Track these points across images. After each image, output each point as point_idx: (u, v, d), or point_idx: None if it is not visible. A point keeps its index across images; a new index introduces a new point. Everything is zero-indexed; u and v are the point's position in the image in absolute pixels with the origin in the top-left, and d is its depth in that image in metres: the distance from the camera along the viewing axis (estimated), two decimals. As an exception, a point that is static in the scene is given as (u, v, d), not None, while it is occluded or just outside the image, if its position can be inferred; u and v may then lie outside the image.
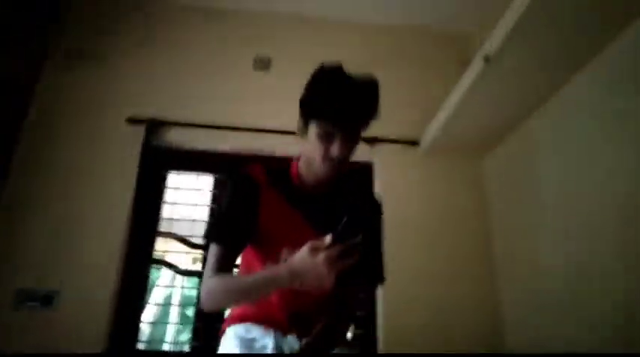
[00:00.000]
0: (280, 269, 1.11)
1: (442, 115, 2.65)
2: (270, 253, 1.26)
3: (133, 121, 2.84)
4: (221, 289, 1.23)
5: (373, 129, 2.88)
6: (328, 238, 1.05)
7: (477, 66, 2.21)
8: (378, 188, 2.96)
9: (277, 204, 1.35)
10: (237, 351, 1.22)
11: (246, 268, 1.40)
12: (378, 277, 1.48)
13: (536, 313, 2.43)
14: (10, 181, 2.65)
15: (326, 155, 1.25)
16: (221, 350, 1.26)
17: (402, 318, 2.64)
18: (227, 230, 1.33)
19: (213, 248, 1.31)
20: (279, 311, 1.33)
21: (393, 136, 3.04)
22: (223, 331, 1.41)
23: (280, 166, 1.44)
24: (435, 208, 2.93)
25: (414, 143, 3.03)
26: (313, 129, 1.27)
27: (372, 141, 3.00)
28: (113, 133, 2.82)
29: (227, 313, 1.50)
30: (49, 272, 2.50)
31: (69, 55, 3.00)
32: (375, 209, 1.51)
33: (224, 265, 1.28)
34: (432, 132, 2.81)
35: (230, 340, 1.31)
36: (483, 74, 2.20)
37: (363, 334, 2.68)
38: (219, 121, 2.93)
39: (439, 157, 3.01)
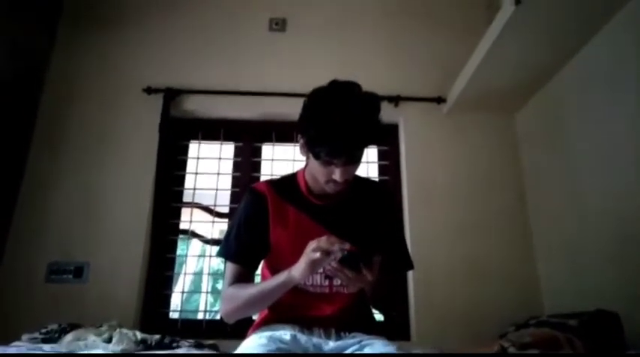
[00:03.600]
0: (284, 272, 1.21)
1: (470, 67, 2.50)
2: (286, 263, 1.27)
3: (150, 90, 2.79)
4: (235, 296, 1.30)
5: (397, 87, 2.89)
6: (333, 239, 1.13)
7: (507, 10, 2.06)
8: (404, 149, 2.86)
9: (288, 214, 1.36)
10: (257, 341, 1.20)
11: (264, 278, 1.43)
12: (406, 265, 1.45)
13: (573, 273, 2.34)
14: (31, 157, 2.67)
15: (329, 179, 1.25)
16: (242, 344, 1.24)
17: (434, 284, 2.57)
18: (236, 249, 1.36)
19: (228, 265, 1.38)
20: (299, 312, 1.31)
21: (417, 94, 2.90)
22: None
23: (285, 178, 1.47)
24: (463, 168, 2.82)
25: (439, 100, 2.89)
26: (315, 155, 1.24)
27: (396, 100, 2.87)
28: (131, 104, 2.79)
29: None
30: (78, 245, 2.53)
31: (83, 21, 2.95)
32: (388, 201, 1.48)
33: (239, 280, 1.34)
34: (459, 85, 2.66)
35: (251, 336, 1.30)
36: (514, 19, 2.05)
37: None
38: (237, 87, 2.85)
39: (467, 114, 2.87)
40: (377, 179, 2.85)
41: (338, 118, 1.16)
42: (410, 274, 2.60)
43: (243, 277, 1.36)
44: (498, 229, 2.71)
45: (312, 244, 1.14)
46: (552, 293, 2.54)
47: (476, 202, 2.74)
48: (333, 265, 1.11)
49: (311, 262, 1.12)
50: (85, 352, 1.32)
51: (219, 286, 2.79)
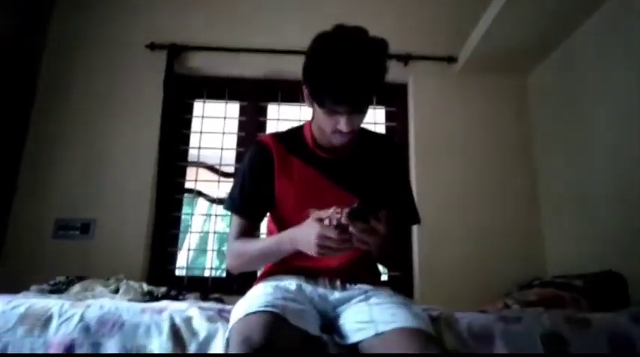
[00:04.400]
0: (285, 234, 1.20)
1: (483, 24, 2.42)
2: (291, 216, 1.27)
3: (154, 46, 2.73)
4: (241, 252, 1.31)
5: (407, 45, 2.81)
6: (331, 211, 1.09)
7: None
8: (412, 110, 2.80)
9: (294, 167, 1.34)
10: (262, 290, 1.20)
11: (270, 233, 1.42)
12: (413, 219, 1.43)
13: (579, 236, 2.33)
14: (35, 114, 2.64)
15: (335, 129, 1.22)
16: (248, 293, 1.23)
17: (438, 245, 2.57)
18: (241, 202, 1.35)
19: (233, 218, 1.37)
20: (305, 263, 1.28)
21: (428, 53, 2.82)
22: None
23: (292, 130, 1.43)
24: (473, 131, 2.77)
25: (450, 60, 2.81)
26: (319, 103, 1.21)
27: (406, 59, 2.79)
28: (134, 61, 2.74)
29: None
30: (84, 202, 2.54)
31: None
32: (396, 154, 1.45)
33: (244, 233, 1.34)
34: (471, 44, 2.59)
35: (257, 285, 1.30)
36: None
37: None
38: (243, 44, 2.78)
39: (478, 74, 2.79)
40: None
41: (341, 63, 1.12)
42: (415, 235, 2.60)
43: (249, 230, 1.35)
44: (506, 191, 2.68)
45: (311, 227, 1.11)
46: (557, 256, 2.53)
47: (484, 165, 2.71)
48: (343, 220, 1.08)
49: (317, 252, 1.11)
50: (92, 300, 1.34)
51: (225, 248, 2.81)
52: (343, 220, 1.07)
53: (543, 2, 2.18)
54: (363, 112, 1.24)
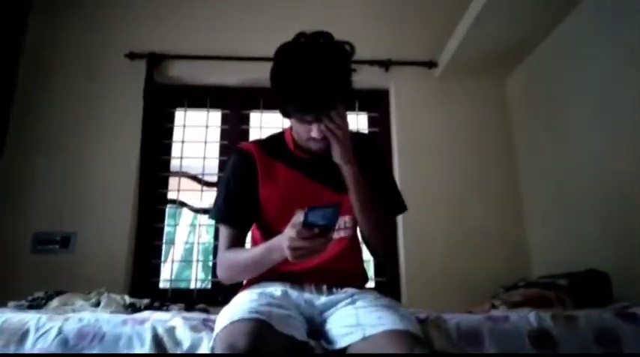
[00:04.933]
0: (274, 241, 1.15)
1: (462, 28, 2.45)
2: (277, 221, 1.25)
3: (133, 55, 2.70)
4: (232, 263, 1.29)
5: (387, 51, 2.82)
6: (300, 217, 1.03)
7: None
8: (394, 115, 2.82)
9: (277, 172, 1.33)
10: (247, 297, 1.17)
11: (255, 242, 1.40)
12: (399, 207, 1.42)
13: (563, 237, 2.35)
14: (13, 126, 2.58)
15: (309, 137, 1.23)
16: (233, 301, 1.21)
17: (424, 249, 2.58)
18: (227, 210, 1.34)
19: (221, 229, 1.35)
20: (289, 267, 1.24)
21: (408, 58, 2.85)
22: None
23: (272, 136, 1.44)
24: (455, 134, 2.79)
25: (431, 65, 2.84)
26: (285, 114, 1.22)
27: (387, 64, 2.81)
28: (113, 70, 2.70)
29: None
30: (64, 215, 2.48)
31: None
32: (375, 149, 1.45)
33: (234, 243, 1.32)
34: (451, 48, 2.62)
35: (242, 293, 1.28)
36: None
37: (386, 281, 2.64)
38: (223, 52, 2.77)
39: (458, 78, 2.82)
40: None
41: (299, 71, 1.12)
42: (400, 239, 2.60)
43: (237, 239, 1.33)
44: (489, 193, 2.71)
45: (287, 232, 1.06)
46: (541, 257, 2.56)
47: (467, 168, 2.73)
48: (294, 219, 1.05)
49: (292, 258, 1.06)
50: (72, 315, 1.29)
51: (210, 263, 2.77)
52: (294, 219, 1.04)
53: (519, 6, 2.22)
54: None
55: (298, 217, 1.03)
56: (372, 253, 1.41)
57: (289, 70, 1.14)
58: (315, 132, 1.19)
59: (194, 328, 1.18)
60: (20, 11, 2.71)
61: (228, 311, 1.11)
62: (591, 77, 2.15)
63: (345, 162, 1.22)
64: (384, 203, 1.32)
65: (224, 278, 1.31)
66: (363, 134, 1.56)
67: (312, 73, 1.12)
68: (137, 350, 1.11)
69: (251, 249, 1.31)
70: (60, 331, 1.13)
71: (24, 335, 1.12)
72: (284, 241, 1.06)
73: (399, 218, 2.61)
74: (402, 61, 2.83)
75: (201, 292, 2.60)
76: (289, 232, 1.05)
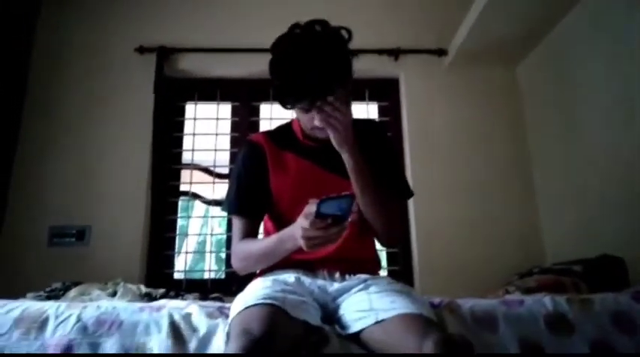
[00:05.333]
0: (286, 231, 1.16)
1: (472, 16, 2.42)
2: (289, 210, 1.25)
3: (143, 49, 2.71)
4: (246, 254, 1.30)
5: (396, 39, 2.80)
6: (313, 207, 1.02)
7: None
8: (405, 104, 2.80)
9: (288, 161, 1.34)
10: (261, 284, 1.19)
11: (267, 233, 1.40)
12: (405, 193, 1.42)
13: (576, 224, 2.33)
14: (25, 122, 2.62)
15: (313, 126, 1.23)
16: (247, 288, 1.23)
17: (437, 237, 2.57)
18: (239, 201, 1.35)
19: (234, 220, 1.36)
20: (303, 256, 1.24)
21: (418, 47, 2.82)
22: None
23: (281, 127, 1.45)
24: (465, 123, 2.77)
25: (440, 53, 2.81)
26: (284, 105, 1.22)
27: (397, 53, 2.79)
28: (123, 64, 2.72)
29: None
30: (79, 209, 2.51)
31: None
32: (382, 135, 1.45)
33: (247, 234, 1.33)
34: (460, 36, 2.59)
35: (256, 280, 1.29)
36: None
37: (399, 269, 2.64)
38: (232, 44, 2.76)
39: (468, 67, 2.79)
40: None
41: (296, 59, 1.13)
42: (412, 228, 2.60)
43: (251, 230, 1.34)
44: (501, 182, 2.68)
45: (300, 222, 1.06)
46: (556, 244, 2.53)
47: (478, 156, 2.71)
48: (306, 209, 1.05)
49: (307, 247, 1.06)
50: (90, 304, 1.32)
51: (223, 255, 2.79)
52: (307, 209, 1.04)
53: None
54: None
55: (311, 207, 1.03)
56: (378, 239, 1.39)
57: (286, 60, 1.15)
58: (316, 120, 1.19)
59: (210, 315, 1.19)
60: (29, 10, 2.73)
61: (242, 297, 1.13)
62: (604, 64, 2.12)
63: (343, 150, 1.22)
64: (388, 189, 1.32)
65: (239, 269, 1.33)
66: (367, 120, 1.56)
67: (308, 59, 1.13)
68: (154, 336, 1.13)
69: (264, 239, 1.32)
70: (79, 319, 1.15)
71: (44, 323, 1.14)
72: (297, 230, 1.07)
73: (411, 207, 2.61)
74: (411, 49, 2.81)
75: (215, 282, 2.62)
76: (302, 222, 1.05)
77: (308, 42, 1.16)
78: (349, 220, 1.05)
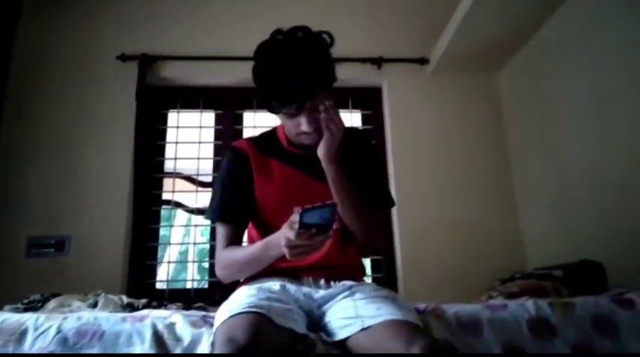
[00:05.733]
0: (271, 239, 1.16)
1: (453, 24, 2.47)
2: (273, 217, 1.25)
3: (124, 57, 2.69)
4: (230, 262, 1.28)
5: (379, 48, 2.83)
6: (297, 216, 1.02)
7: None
8: (388, 112, 2.83)
9: (273, 168, 1.33)
10: (246, 292, 1.18)
11: (251, 241, 1.40)
12: (387, 202, 1.43)
13: (557, 229, 2.37)
14: (4, 132, 2.55)
15: (299, 131, 1.23)
16: (231, 296, 1.21)
17: (420, 244, 2.59)
18: (224, 208, 1.33)
19: (218, 228, 1.34)
20: (287, 264, 1.22)
21: (400, 55, 2.86)
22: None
23: (265, 134, 1.44)
24: (448, 129, 2.80)
25: (423, 61, 2.85)
26: (270, 111, 1.23)
27: (379, 62, 2.82)
28: (105, 72, 2.69)
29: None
30: (58, 218, 2.47)
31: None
32: (366, 143, 1.45)
33: (231, 241, 1.31)
34: (442, 44, 2.63)
35: (240, 288, 1.28)
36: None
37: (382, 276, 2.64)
38: (215, 52, 2.76)
39: (450, 74, 2.84)
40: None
41: (279, 64, 1.14)
42: (396, 234, 2.61)
43: (235, 238, 1.33)
44: (483, 187, 2.72)
45: (284, 231, 1.06)
46: (536, 250, 2.57)
47: (461, 162, 2.75)
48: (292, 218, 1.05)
49: (290, 256, 1.06)
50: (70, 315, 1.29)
51: (206, 264, 2.76)
52: (292, 218, 1.05)
53: (509, 2, 2.24)
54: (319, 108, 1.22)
55: (296, 216, 1.03)
56: (357, 248, 1.39)
57: (269, 65, 1.16)
58: (304, 125, 1.19)
59: (194, 324, 1.18)
60: (9, 17, 2.68)
61: (227, 306, 1.12)
62: (582, 70, 2.17)
63: (326, 159, 1.23)
64: (370, 199, 1.33)
65: (223, 277, 1.31)
66: (354, 129, 1.57)
67: (291, 64, 1.14)
68: (137, 347, 1.11)
69: (249, 246, 1.32)
70: (59, 330, 1.12)
71: (22, 335, 1.11)
72: (281, 239, 1.07)
73: (394, 214, 2.63)
74: (394, 58, 2.84)
75: (198, 292, 2.60)
76: (286, 232, 1.05)
77: (290, 46, 1.17)
78: (333, 228, 1.05)
